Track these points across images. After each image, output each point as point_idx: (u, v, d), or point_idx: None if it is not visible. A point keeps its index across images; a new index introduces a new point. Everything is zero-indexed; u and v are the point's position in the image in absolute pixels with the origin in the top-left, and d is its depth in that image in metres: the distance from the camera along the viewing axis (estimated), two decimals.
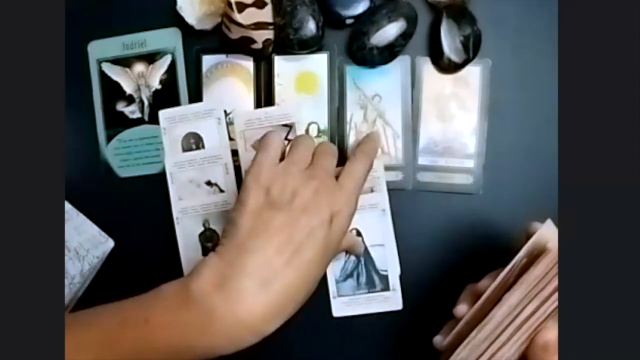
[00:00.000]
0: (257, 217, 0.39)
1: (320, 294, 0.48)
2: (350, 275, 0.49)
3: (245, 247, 0.39)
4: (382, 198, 0.49)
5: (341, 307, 0.50)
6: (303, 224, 0.39)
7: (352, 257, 0.49)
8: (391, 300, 0.49)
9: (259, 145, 0.43)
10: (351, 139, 0.50)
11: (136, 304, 0.39)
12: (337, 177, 0.43)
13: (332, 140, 0.50)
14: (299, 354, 0.50)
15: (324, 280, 0.49)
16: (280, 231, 0.39)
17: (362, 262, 0.49)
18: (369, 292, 0.49)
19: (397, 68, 0.49)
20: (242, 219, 0.39)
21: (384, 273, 0.49)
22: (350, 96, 0.50)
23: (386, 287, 0.49)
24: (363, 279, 0.49)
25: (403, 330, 0.50)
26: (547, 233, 0.36)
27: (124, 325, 0.38)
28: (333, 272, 0.49)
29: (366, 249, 0.49)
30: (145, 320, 0.38)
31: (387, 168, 0.49)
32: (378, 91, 0.49)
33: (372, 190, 0.49)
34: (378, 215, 0.49)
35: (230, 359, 0.38)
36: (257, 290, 0.38)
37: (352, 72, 0.50)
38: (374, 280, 0.49)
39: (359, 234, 0.49)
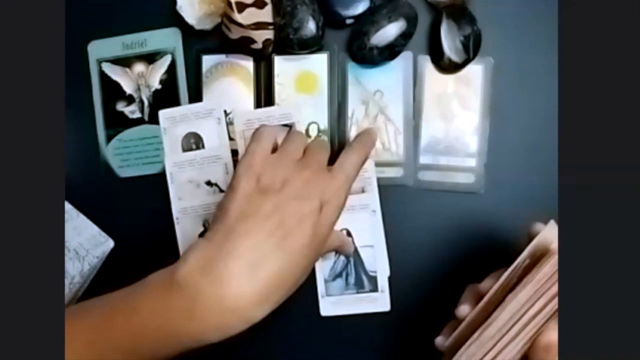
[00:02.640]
0: (248, 202, 0.39)
1: (308, 293, 0.49)
2: (339, 275, 0.49)
3: (234, 230, 0.39)
4: (373, 198, 0.48)
5: (329, 306, 0.49)
6: (293, 210, 0.39)
7: (342, 257, 0.49)
8: (379, 302, 0.49)
9: (252, 137, 0.43)
10: (352, 135, 0.50)
11: (125, 292, 0.39)
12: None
13: (332, 139, 0.50)
14: (285, 352, 0.50)
15: (312, 279, 0.49)
16: (270, 216, 0.39)
17: (352, 263, 0.49)
18: (357, 293, 0.49)
19: (400, 64, 0.49)
20: (232, 204, 0.40)
21: (373, 274, 0.49)
22: (352, 92, 0.50)
23: (374, 288, 0.49)
24: (352, 279, 0.49)
25: (390, 331, 0.49)
26: (550, 234, 0.36)
27: (114, 313, 0.38)
28: (322, 271, 0.49)
29: (356, 249, 0.49)
30: (134, 307, 0.38)
31: (388, 164, 0.49)
32: (380, 87, 0.49)
33: (363, 191, 0.48)
34: (368, 215, 0.49)
35: (216, 357, 0.38)
36: (244, 273, 0.37)
37: (354, 68, 0.49)
38: (363, 281, 0.49)
39: (349, 234, 0.49)
